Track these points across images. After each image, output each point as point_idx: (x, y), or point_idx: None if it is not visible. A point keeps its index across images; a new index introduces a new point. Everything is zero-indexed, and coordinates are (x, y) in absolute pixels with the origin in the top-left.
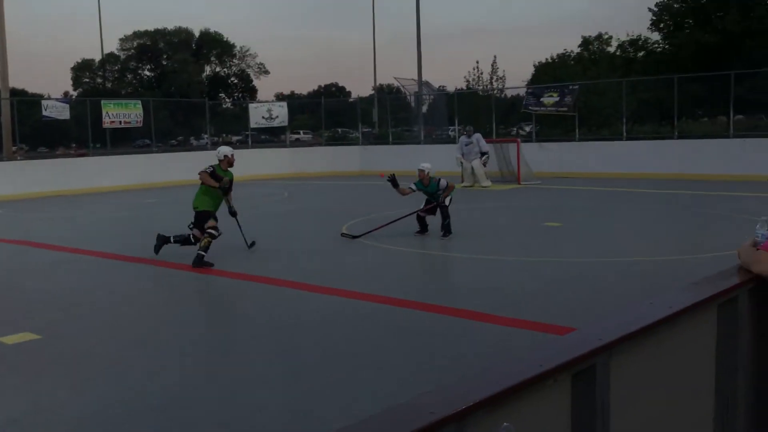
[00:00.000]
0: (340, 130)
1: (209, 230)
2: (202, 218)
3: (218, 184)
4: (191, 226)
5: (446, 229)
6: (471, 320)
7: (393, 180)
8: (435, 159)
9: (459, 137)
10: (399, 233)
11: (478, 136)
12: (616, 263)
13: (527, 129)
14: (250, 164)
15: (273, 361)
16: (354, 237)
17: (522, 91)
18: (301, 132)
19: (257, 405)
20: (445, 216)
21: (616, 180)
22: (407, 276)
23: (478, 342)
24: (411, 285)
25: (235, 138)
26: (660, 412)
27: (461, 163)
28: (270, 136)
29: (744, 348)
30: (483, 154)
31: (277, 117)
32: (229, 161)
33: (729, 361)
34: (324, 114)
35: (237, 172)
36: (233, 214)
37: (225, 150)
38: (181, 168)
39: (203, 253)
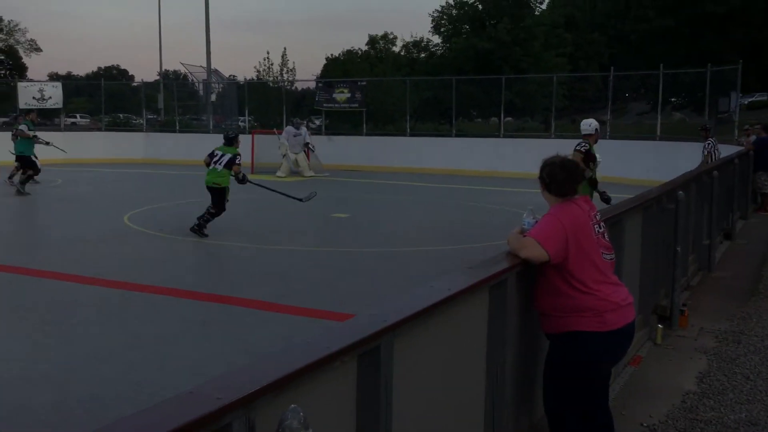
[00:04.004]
0: (122, 115)
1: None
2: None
3: None
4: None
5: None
6: (259, 310)
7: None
8: None
9: (285, 127)
10: (180, 221)
11: (304, 128)
12: (398, 252)
13: (317, 122)
14: None
15: (38, 358)
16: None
17: (312, 84)
18: (78, 116)
19: (21, 402)
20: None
21: (399, 174)
22: (193, 266)
23: (266, 330)
24: (198, 275)
25: (0, 120)
26: (439, 386)
27: (286, 153)
28: (42, 119)
29: (512, 324)
30: (307, 144)
31: (50, 98)
32: None
33: (498, 336)
34: (104, 97)
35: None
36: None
37: None
38: None
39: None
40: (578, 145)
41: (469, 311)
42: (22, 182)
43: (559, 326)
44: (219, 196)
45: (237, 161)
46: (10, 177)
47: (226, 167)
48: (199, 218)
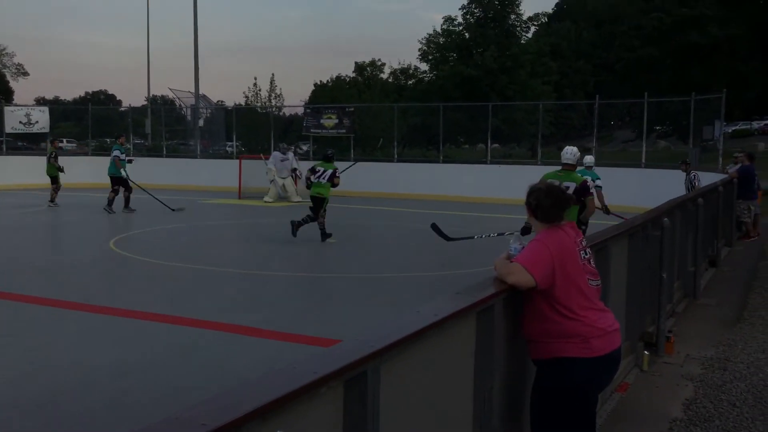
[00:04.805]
0: (109, 140)
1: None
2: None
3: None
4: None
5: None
6: (246, 335)
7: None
8: (212, 174)
9: (273, 152)
10: (166, 246)
11: (291, 154)
12: (385, 278)
13: (304, 148)
14: (5, 173)
15: (25, 385)
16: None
17: (299, 110)
18: (65, 140)
19: (9, 428)
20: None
21: (387, 199)
22: (180, 291)
23: (253, 356)
24: (185, 300)
25: None
26: (426, 411)
27: (273, 178)
28: (28, 143)
29: (499, 350)
30: (294, 170)
31: (36, 123)
32: None
33: (486, 361)
34: (91, 122)
35: None
36: None
37: None
38: None
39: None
40: (591, 187)
41: (457, 337)
42: (126, 205)
43: (545, 352)
44: (319, 205)
45: (337, 174)
46: (110, 203)
47: (329, 180)
48: (320, 229)
